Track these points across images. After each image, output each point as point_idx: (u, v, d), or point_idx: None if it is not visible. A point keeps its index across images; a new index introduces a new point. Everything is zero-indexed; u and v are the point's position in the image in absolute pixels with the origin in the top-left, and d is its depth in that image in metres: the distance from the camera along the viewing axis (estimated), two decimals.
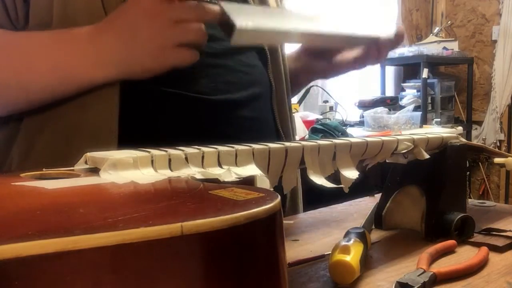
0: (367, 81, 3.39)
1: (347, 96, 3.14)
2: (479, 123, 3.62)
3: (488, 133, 3.54)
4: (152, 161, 0.38)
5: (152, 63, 0.56)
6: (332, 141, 0.51)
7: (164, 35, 0.55)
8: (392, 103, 3.02)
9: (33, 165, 0.44)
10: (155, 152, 0.39)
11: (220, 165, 0.41)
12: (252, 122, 0.72)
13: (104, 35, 0.56)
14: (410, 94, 3.27)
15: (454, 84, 3.51)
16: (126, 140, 0.57)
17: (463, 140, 0.67)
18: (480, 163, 3.57)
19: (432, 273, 0.47)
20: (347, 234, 0.53)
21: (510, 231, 0.60)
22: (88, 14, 0.58)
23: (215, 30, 0.66)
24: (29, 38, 0.58)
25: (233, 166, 0.42)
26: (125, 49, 0.56)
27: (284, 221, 0.62)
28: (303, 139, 2.19)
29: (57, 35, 0.58)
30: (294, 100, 2.75)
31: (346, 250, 0.48)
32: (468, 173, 0.68)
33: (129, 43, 0.56)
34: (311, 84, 2.92)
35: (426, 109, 3.16)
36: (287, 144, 0.47)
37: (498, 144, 3.51)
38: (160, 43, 0.55)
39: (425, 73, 3.11)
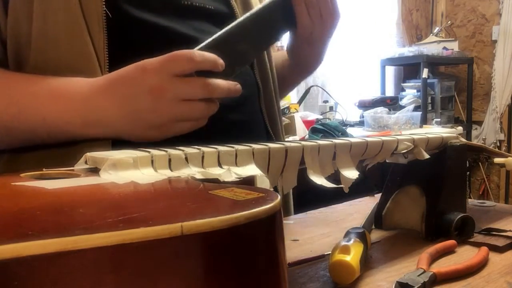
0: (367, 81, 3.39)
1: (347, 96, 3.14)
2: (479, 123, 3.62)
3: (488, 133, 3.54)
4: (152, 161, 0.38)
5: (151, 135, 0.55)
6: (332, 141, 0.51)
7: (168, 113, 0.54)
8: (392, 103, 3.02)
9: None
10: (155, 152, 0.39)
11: (220, 165, 0.41)
12: (241, 125, 0.71)
13: (103, 99, 0.55)
14: (410, 94, 3.27)
15: (454, 84, 3.51)
16: (118, 145, 0.57)
17: (463, 140, 0.67)
18: (480, 163, 3.57)
19: (432, 273, 0.47)
20: (347, 234, 0.53)
21: (510, 231, 0.60)
22: (68, 29, 0.57)
23: (200, 34, 0.66)
24: (24, 86, 0.57)
25: (233, 166, 0.42)
26: (125, 120, 0.55)
27: (284, 221, 0.62)
28: (303, 139, 2.19)
29: (53, 88, 0.56)
30: (294, 100, 2.75)
31: (346, 250, 0.48)
32: (468, 173, 0.68)
33: (130, 115, 0.54)
34: (311, 84, 2.93)
35: (426, 109, 3.16)
36: (287, 144, 0.47)
37: (498, 144, 3.51)
38: (163, 119, 0.54)
39: (425, 73, 3.11)
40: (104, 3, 0.59)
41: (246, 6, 0.76)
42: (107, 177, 0.35)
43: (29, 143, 0.58)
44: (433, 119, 3.21)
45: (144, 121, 0.54)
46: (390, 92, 3.49)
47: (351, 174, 0.50)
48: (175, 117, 0.54)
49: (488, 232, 0.62)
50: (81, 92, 0.56)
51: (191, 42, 0.65)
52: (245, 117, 0.72)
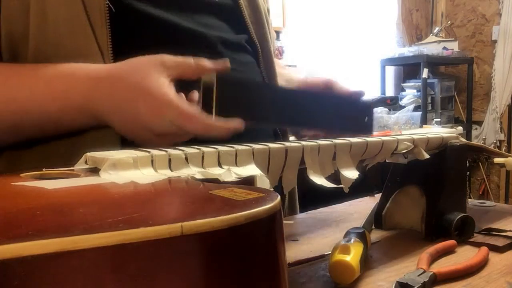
0: (367, 81, 3.39)
1: None
2: (479, 123, 3.62)
3: (488, 133, 3.54)
4: (152, 161, 0.38)
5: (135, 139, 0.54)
6: (332, 141, 0.51)
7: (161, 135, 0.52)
8: (392, 103, 3.02)
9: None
10: (155, 152, 0.39)
11: (220, 165, 0.41)
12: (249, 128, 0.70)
13: (104, 109, 0.54)
14: (410, 94, 3.27)
15: (454, 84, 3.52)
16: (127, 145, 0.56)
17: (463, 140, 0.67)
18: (480, 163, 3.57)
19: (432, 273, 0.47)
20: (347, 234, 0.53)
21: (510, 231, 0.61)
22: (70, 25, 0.56)
23: (205, 28, 0.65)
24: (20, 80, 0.56)
25: (233, 166, 0.42)
26: (121, 126, 0.54)
27: (284, 221, 0.62)
28: None
29: (51, 87, 0.55)
30: None
31: (346, 250, 0.48)
32: (468, 173, 0.68)
33: (126, 126, 0.53)
34: None
35: (426, 109, 3.16)
36: (287, 144, 0.47)
37: (498, 144, 3.51)
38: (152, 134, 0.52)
39: (425, 73, 3.11)
40: None
41: (252, 4, 0.75)
42: (107, 177, 0.35)
43: (37, 136, 0.57)
44: (433, 119, 3.21)
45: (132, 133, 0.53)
46: (390, 92, 3.49)
47: (351, 174, 0.50)
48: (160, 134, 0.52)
49: (488, 232, 0.62)
50: (84, 92, 0.54)
51: (196, 37, 0.65)
52: None
